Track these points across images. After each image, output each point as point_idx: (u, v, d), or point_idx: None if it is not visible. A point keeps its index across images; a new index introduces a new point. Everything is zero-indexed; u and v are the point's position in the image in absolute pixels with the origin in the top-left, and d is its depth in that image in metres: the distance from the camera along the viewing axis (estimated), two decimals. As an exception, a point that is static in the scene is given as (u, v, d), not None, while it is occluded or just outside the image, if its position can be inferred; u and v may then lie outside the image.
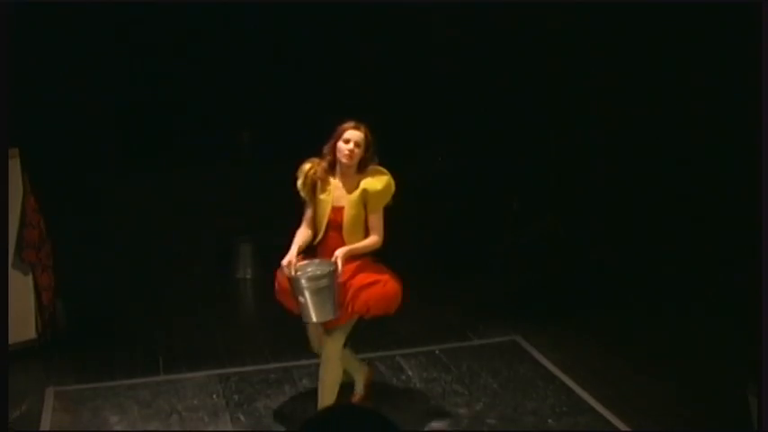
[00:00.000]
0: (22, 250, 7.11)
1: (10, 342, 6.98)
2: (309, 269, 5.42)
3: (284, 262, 5.42)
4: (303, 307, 5.32)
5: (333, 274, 5.31)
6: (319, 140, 5.60)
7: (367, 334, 7.17)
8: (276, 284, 5.68)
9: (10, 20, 6.22)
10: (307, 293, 5.27)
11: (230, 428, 5.96)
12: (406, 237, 9.15)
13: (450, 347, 7.09)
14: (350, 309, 5.48)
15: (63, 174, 8.33)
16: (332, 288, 5.30)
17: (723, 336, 6.99)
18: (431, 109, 9.35)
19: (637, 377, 6.55)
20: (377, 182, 5.52)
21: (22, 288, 7.16)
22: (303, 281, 5.28)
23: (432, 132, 9.40)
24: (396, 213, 9.00)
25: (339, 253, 5.39)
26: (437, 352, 7.01)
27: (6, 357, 5.50)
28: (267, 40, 9.07)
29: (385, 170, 5.58)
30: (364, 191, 5.50)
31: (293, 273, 5.36)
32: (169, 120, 8.97)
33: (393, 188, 5.57)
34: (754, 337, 4.87)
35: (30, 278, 7.21)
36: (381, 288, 5.56)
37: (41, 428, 6.02)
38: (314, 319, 5.37)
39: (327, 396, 5.63)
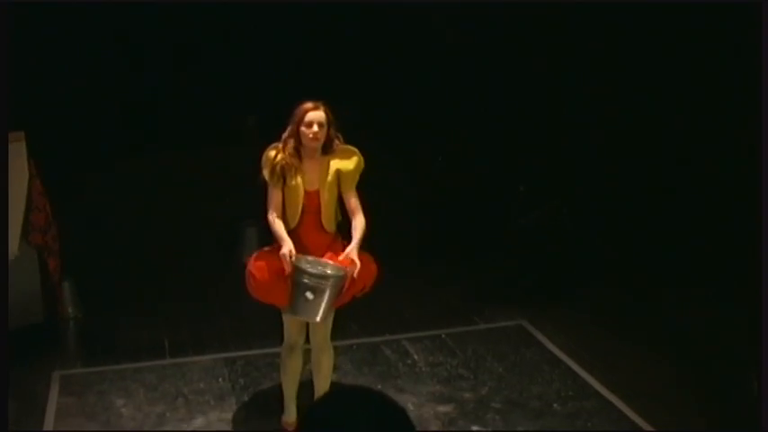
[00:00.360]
0: (29, 234, 7.11)
1: (17, 325, 7.02)
2: (320, 267, 5.27)
3: (285, 251, 5.22)
4: (299, 301, 5.20)
5: (343, 278, 5.25)
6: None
7: (373, 318, 7.21)
8: (255, 274, 5.44)
9: (10, 17, 6.20)
10: (309, 290, 5.16)
11: (236, 412, 5.98)
12: (413, 222, 9.18)
13: (455, 332, 7.09)
14: (351, 291, 5.43)
15: (69, 157, 8.33)
16: (336, 292, 5.25)
17: (728, 319, 6.98)
18: (437, 97, 9.35)
19: (642, 362, 6.56)
20: (348, 162, 5.40)
21: (28, 272, 7.18)
22: (313, 279, 5.16)
23: (440, 118, 9.39)
24: (403, 198, 9.04)
25: (354, 256, 5.26)
26: (443, 336, 7.01)
27: (6, 357, 5.50)
28: (273, 24, 9.06)
29: (352, 147, 5.46)
30: (338, 171, 5.37)
31: (303, 265, 5.20)
32: (175, 104, 8.97)
33: (363, 165, 5.45)
34: (755, 323, 4.89)
35: (36, 262, 7.21)
36: (367, 266, 5.48)
37: (48, 412, 6.04)
38: (302, 315, 5.30)
39: (325, 381, 5.66)
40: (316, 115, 5.31)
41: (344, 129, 5.53)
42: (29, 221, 7.11)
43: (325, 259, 5.34)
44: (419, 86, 9.36)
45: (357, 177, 5.45)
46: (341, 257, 5.30)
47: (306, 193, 5.37)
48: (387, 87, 9.18)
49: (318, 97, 5.40)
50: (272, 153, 5.37)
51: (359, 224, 5.40)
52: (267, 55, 9.15)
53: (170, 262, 8.57)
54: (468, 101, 9.34)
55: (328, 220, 5.42)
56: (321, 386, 5.66)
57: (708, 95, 8.21)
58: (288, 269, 5.21)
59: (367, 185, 8.52)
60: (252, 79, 9.04)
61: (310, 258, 5.31)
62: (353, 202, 5.43)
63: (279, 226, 5.35)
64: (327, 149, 5.39)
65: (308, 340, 5.66)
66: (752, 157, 5.54)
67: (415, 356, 6.70)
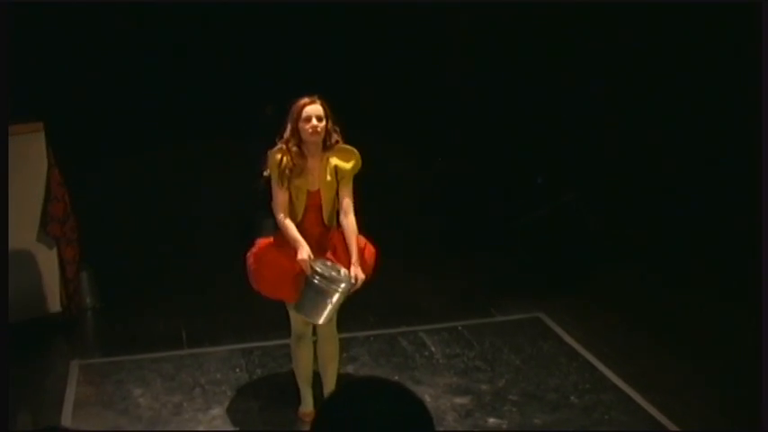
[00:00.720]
0: (47, 224, 7.14)
1: (35, 315, 7.06)
2: (333, 272, 5.29)
3: (304, 256, 5.25)
4: (308, 302, 5.26)
5: (352, 286, 5.30)
6: (343, 113, 5.55)
7: (390, 309, 7.21)
8: (264, 271, 5.51)
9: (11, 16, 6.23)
10: (320, 294, 5.23)
11: (253, 402, 5.99)
12: (430, 213, 9.17)
13: (473, 324, 7.08)
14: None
15: (88, 147, 8.35)
16: (343, 298, 5.30)
17: (749, 313, 6.94)
18: (454, 89, 9.34)
19: (660, 355, 6.54)
20: (347, 163, 5.42)
21: (47, 262, 7.21)
22: (325, 283, 5.21)
23: (456, 111, 9.38)
24: (420, 190, 9.02)
25: (359, 273, 5.31)
26: (460, 328, 7.00)
27: (6, 357, 5.53)
28: (291, 13, 9.06)
29: (351, 147, 5.47)
30: (336, 168, 5.39)
31: (319, 269, 5.23)
32: (193, 93, 8.96)
33: (360, 165, 5.48)
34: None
35: (54, 252, 7.24)
36: (369, 249, 5.55)
37: (66, 401, 6.06)
38: (308, 315, 5.34)
39: (332, 372, 5.69)
40: (313, 109, 5.34)
41: (359, 125, 5.54)
42: (47, 212, 7.13)
43: (338, 264, 5.38)
44: (433, 80, 9.35)
45: (352, 177, 5.48)
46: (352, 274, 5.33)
47: (308, 192, 5.42)
48: (401, 82, 9.16)
49: (338, 77, 5.40)
50: (278, 156, 5.40)
51: (351, 232, 5.42)
52: (283, 50, 9.14)
53: (188, 252, 8.59)
54: (484, 94, 9.33)
55: (329, 216, 5.50)
56: (329, 377, 5.69)
57: (708, 95, 8.29)
58: (307, 271, 5.23)
59: (383, 178, 8.54)
60: (270, 72, 9.03)
61: (326, 263, 5.35)
62: (347, 202, 5.47)
63: (292, 228, 5.38)
64: (327, 144, 5.41)
65: (315, 332, 5.69)
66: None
67: (432, 348, 6.70)
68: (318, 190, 5.43)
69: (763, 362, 5.21)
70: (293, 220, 5.43)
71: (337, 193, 5.47)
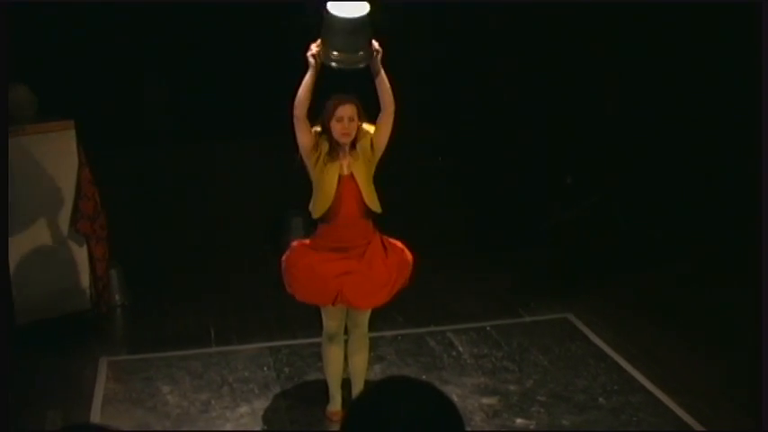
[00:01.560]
0: (77, 221, 7.19)
1: (65, 312, 7.11)
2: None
3: (309, 53, 5.19)
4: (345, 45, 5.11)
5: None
6: (375, 110, 5.51)
7: (418, 309, 7.20)
8: (301, 277, 5.41)
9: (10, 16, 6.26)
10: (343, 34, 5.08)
11: (281, 401, 6.00)
12: (459, 214, 9.15)
13: (501, 324, 7.07)
14: (395, 288, 5.48)
15: (118, 145, 8.39)
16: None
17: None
18: (480, 89, 9.33)
19: (689, 357, 6.50)
20: (368, 129, 5.32)
21: (76, 259, 7.26)
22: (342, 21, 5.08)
23: (483, 109, 9.36)
24: (449, 188, 9.00)
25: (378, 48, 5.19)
26: (488, 328, 6.99)
27: (7, 356, 5.56)
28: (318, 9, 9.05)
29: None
30: (364, 143, 5.30)
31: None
32: (223, 91, 8.98)
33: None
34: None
35: (84, 249, 7.29)
36: (407, 257, 5.52)
37: (95, 397, 6.10)
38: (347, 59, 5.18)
39: (361, 373, 5.69)
40: (346, 110, 5.23)
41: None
42: (78, 209, 7.18)
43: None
44: (467, 79, 9.33)
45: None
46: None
47: (341, 177, 5.30)
48: (433, 79, 9.14)
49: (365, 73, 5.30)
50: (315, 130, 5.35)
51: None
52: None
53: (216, 250, 8.61)
54: (516, 93, 9.31)
55: (370, 197, 5.34)
56: (358, 377, 5.70)
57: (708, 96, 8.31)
58: (318, 55, 5.18)
59: (412, 177, 8.51)
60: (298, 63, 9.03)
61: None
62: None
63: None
64: (356, 142, 5.33)
65: (346, 331, 5.70)
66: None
67: (460, 348, 6.69)
68: (351, 174, 5.30)
69: (763, 362, 5.19)
70: (324, 205, 5.31)
71: (372, 177, 5.37)
